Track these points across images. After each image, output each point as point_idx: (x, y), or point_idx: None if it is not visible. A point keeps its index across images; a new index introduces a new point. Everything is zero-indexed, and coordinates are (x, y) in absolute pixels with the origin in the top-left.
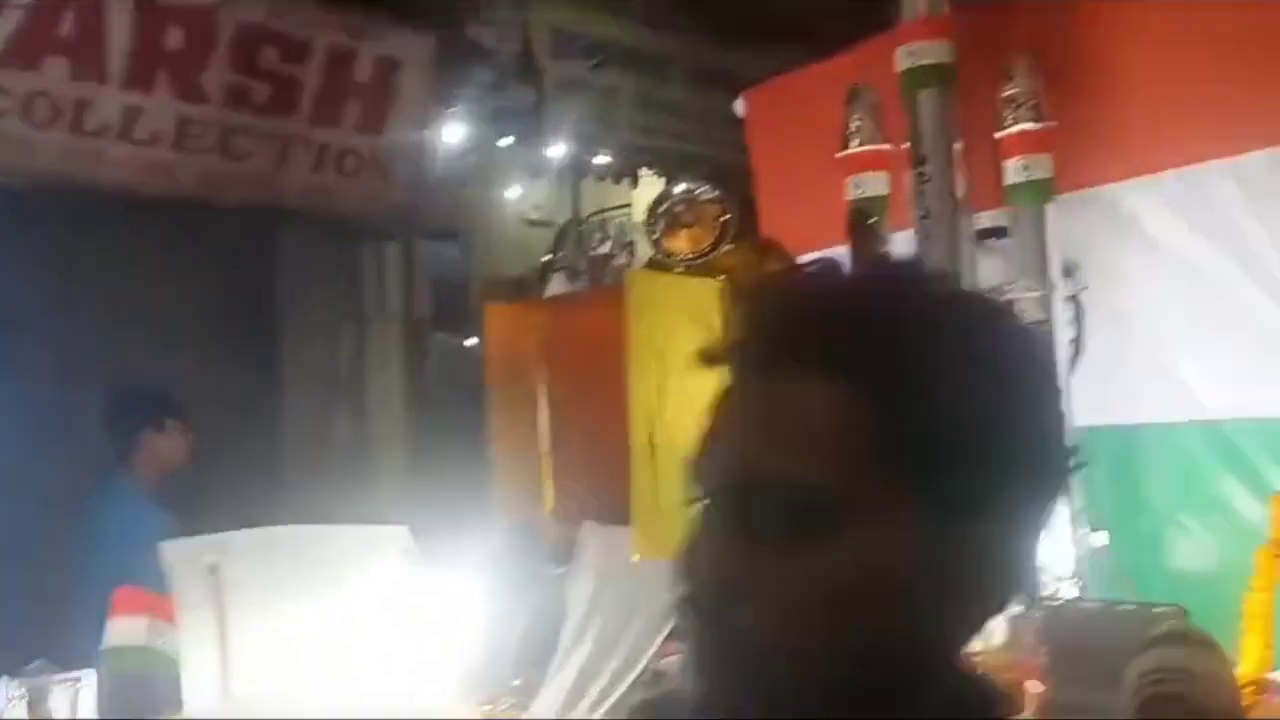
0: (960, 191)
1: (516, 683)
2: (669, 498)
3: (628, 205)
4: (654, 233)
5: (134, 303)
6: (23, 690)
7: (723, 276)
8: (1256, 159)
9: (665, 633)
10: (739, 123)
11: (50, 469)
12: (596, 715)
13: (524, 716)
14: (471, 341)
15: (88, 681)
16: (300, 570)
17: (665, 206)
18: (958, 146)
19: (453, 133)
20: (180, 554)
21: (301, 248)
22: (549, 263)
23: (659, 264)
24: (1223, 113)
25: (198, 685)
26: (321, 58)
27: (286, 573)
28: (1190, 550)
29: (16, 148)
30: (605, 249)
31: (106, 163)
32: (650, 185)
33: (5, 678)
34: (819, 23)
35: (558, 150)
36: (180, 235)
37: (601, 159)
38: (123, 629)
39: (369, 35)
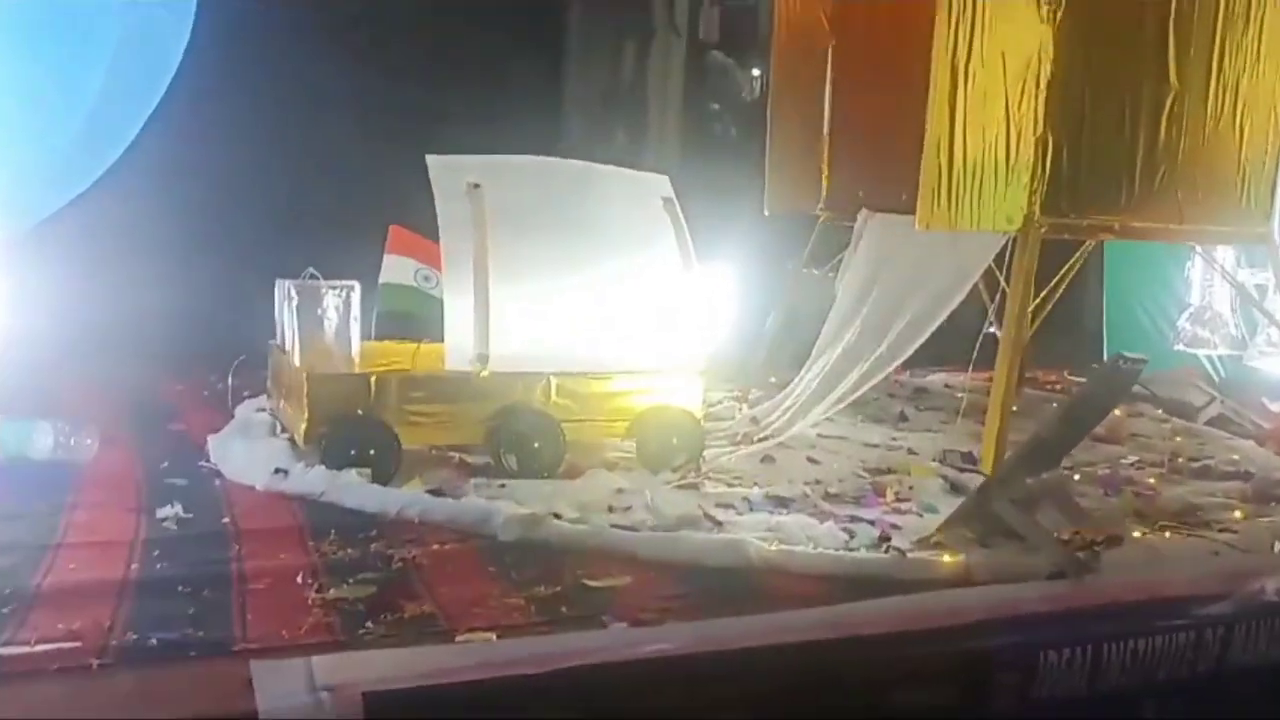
0: None
1: (772, 380)
2: (966, 160)
3: None
4: None
5: None
6: (295, 292)
7: None
8: None
9: (940, 319)
10: None
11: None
12: (847, 401)
13: (771, 402)
14: (756, 73)
15: (356, 291)
16: (562, 201)
17: None
18: None
19: None
20: (444, 168)
21: None
22: None
23: None
24: None
25: (455, 308)
26: None
27: (548, 201)
28: None
29: None
30: None
31: None
32: None
33: (279, 280)
34: None
35: None
36: None
37: None
38: (393, 267)
39: None
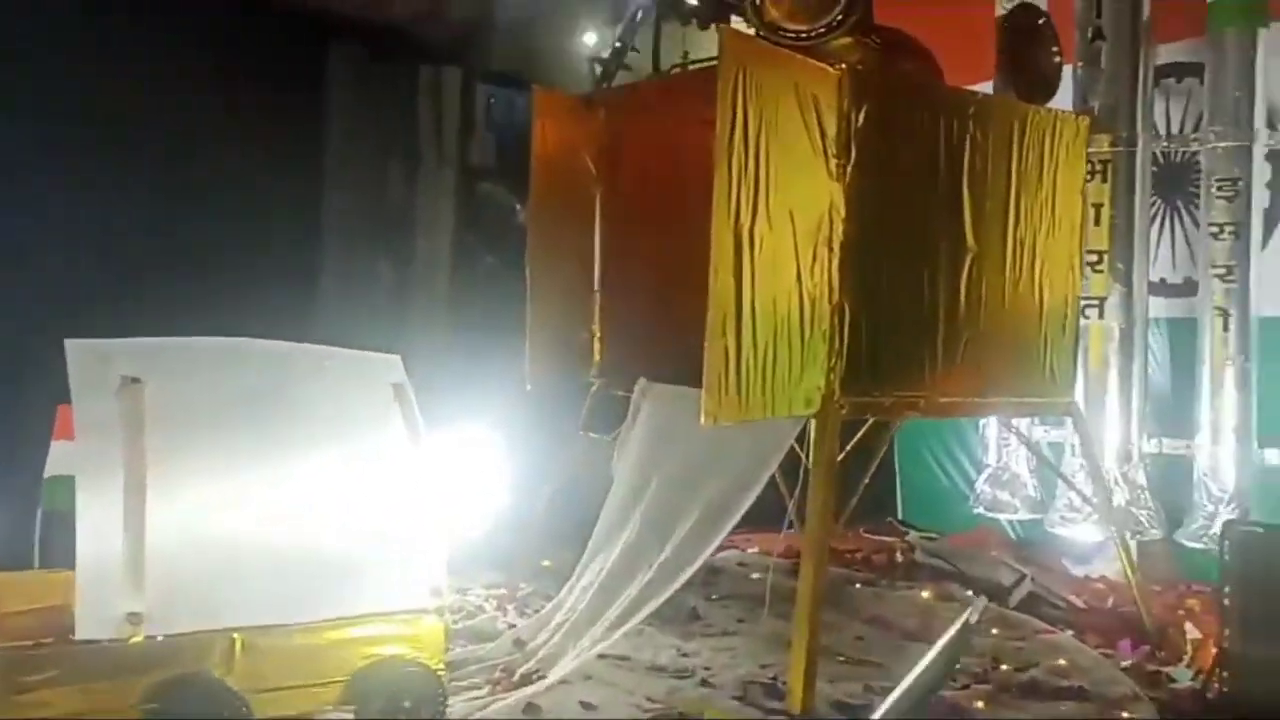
0: (1145, 10)
1: (546, 563)
2: (756, 338)
3: (715, 58)
4: None
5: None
6: None
7: (842, 66)
8: None
9: (733, 520)
10: None
11: None
12: (626, 626)
13: (539, 618)
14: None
15: None
16: (257, 395)
17: None
18: None
19: None
20: (89, 356)
21: (352, 66)
22: (616, 51)
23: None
24: None
25: (93, 550)
26: None
27: (238, 396)
28: None
29: None
30: None
31: None
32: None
33: None
34: None
35: None
36: (220, 40)
37: None
38: (65, 455)
39: None
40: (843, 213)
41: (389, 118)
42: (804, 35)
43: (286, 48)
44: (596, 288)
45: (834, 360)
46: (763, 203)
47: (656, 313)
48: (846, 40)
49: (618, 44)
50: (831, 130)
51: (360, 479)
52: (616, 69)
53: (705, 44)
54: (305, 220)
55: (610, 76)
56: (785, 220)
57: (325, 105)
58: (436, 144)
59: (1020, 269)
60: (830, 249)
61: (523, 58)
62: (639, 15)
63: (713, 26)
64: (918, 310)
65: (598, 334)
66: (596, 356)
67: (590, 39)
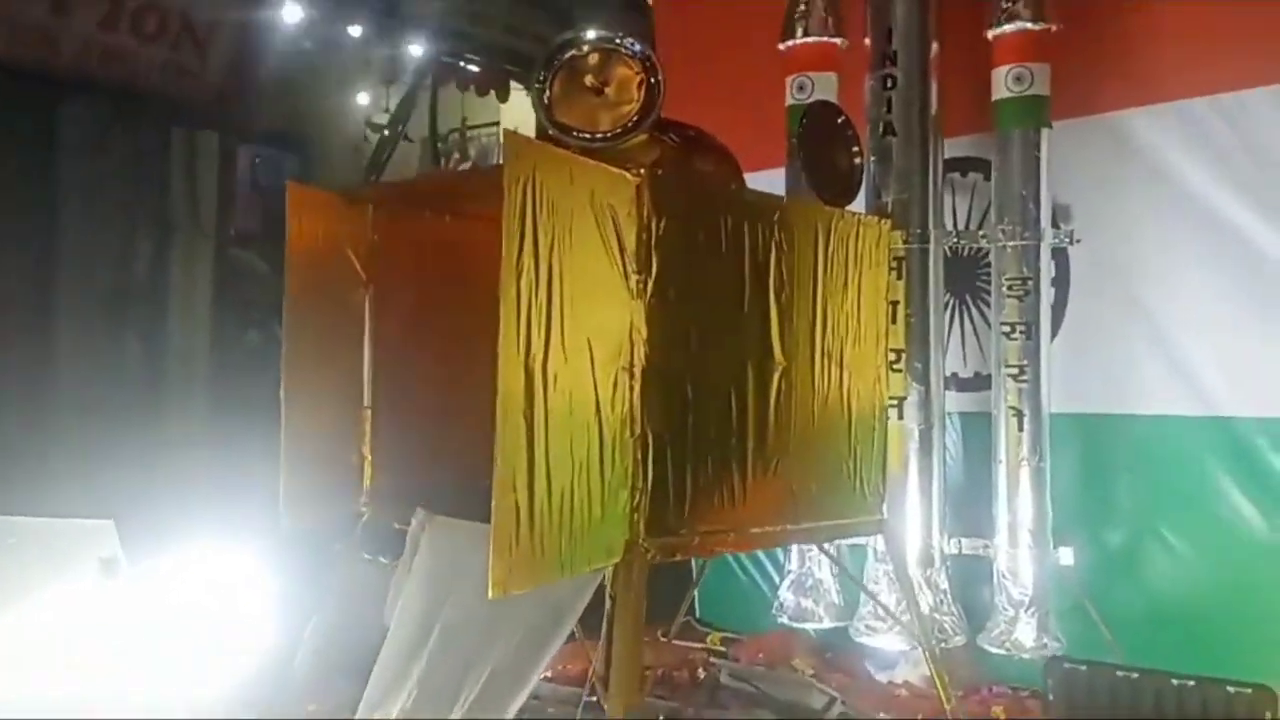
0: (934, 106)
1: (312, 708)
2: (551, 488)
3: (495, 124)
4: (545, 95)
5: None
6: None
7: (640, 171)
8: None
9: (528, 687)
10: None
11: None
12: None
13: None
14: None
15: None
16: None
17: (567, 57)
18: (935, 48)
19: (291, 12)
20: None
21: (90, 128)
22: (386, 139)
23: (552, 142)
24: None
25: None
26: None
27: None
28: (1179, 568)
29: None
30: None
31: None
32: (522, 101)
33: None
34: None
35: (417, 50)
36: None
37: (469, 64)
38: None
39: None
40: (644, 334)
41: (136, 184)
42: (599, 137)
43: (6, 110)
44: (366, 404)
45: (638, 499)
46: (556, 332)
47: (437, 434)
48: (641, 138)
49: (385, 131)
50: (630, 243)
51: (53, 674)
52: (393, 150)
53: (484, 110)
54: (36, 298)
55: (380, 168)
56: (582, 349)
57: (56, 171)
58: (191, 210)
59: (829, 382)
60: (631, 375)
61: (293, 117)
62: (418, 91)
63: (493, 93)
64: (726, 434)
65: (369, 457)
66: (367, 482)
67: (364, 100)
